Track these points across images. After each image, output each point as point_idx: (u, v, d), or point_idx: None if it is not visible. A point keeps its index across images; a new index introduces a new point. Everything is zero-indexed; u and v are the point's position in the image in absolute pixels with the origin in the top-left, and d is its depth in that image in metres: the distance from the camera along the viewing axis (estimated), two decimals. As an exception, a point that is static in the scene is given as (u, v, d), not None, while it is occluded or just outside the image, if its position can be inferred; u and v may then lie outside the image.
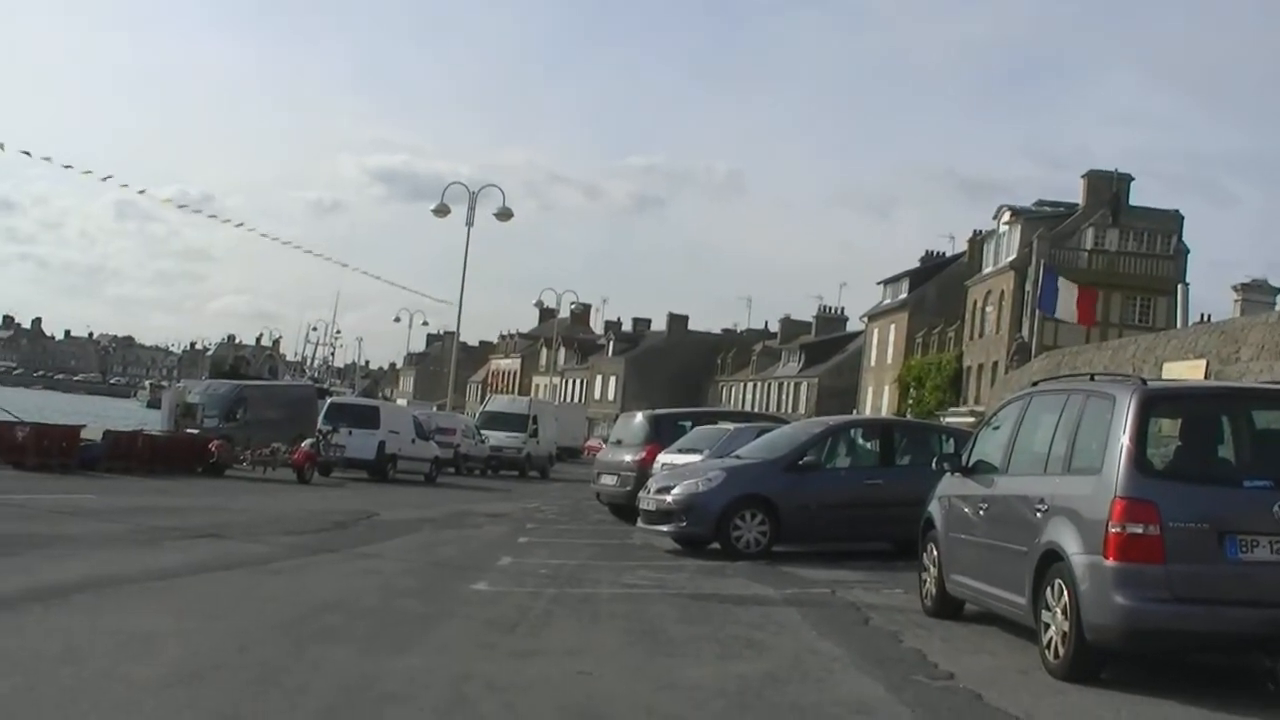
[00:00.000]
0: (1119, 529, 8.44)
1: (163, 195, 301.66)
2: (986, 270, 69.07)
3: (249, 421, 39.91)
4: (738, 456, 19.50)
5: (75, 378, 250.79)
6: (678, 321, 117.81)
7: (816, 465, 18.41)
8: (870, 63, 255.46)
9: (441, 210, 50.47)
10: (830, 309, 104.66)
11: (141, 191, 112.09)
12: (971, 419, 50.18)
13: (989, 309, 67.35)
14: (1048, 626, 9.02)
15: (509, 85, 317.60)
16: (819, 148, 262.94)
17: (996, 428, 11.48)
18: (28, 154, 39.90)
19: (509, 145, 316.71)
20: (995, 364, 62.23)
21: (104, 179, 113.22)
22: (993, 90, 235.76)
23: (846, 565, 16.46)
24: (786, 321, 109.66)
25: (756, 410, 79.47)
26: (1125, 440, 8.72)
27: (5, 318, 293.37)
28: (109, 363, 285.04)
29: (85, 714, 6.36)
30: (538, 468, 52.02)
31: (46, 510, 18.93)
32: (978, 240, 74.19)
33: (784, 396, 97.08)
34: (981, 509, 10.76)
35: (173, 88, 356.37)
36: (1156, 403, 9.10)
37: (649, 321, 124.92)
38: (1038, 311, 48.82)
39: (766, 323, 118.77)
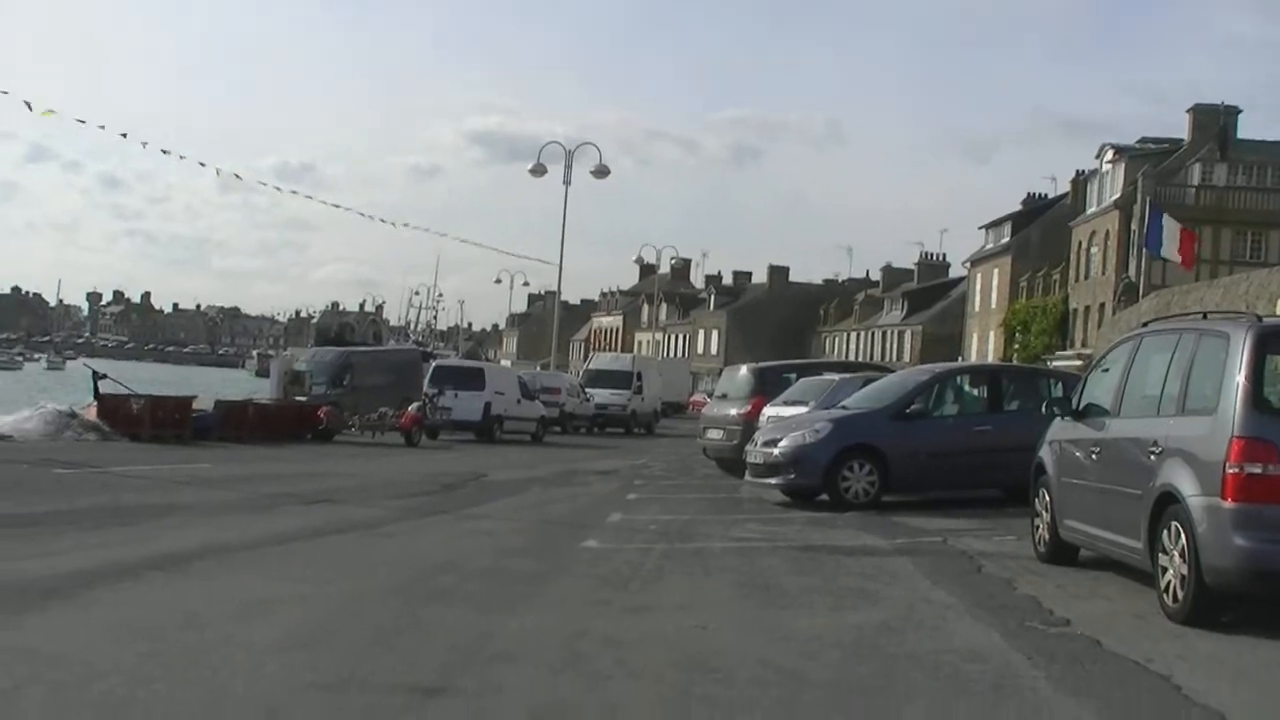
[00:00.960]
0: (1237, 469, 8.28)
1: (262, 166, 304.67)
2: (1090, 211, 67.98)
3: (356, 387, 40.28)
4: (844, 407, 19.41)
5: (185, 349, 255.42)
6: (778, 273, 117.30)
7: (924, 413, 18.29)
8: (964, 4, 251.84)
9: (538, 170, 50.73)
10: (932, 255, 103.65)
11: (237, 176, 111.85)
12: (1079, 362, 49.57)
13: (1094, 250, 66.33)
14: (1165, 570, 8.89)
15: (601, 43, 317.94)
16: (917, 94, 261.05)
17: (1106, 370, 11.31)
18: (124, 135, 40.21)
19: (604, 104, 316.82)
20: (1102, 306, 61.35)
21: (200, 164, 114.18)
22: (1091, 27, 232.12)
23: (957, 513, 16.37)
24: (888, 270, 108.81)
25: (860, 360, 79.02)
26: (1241, 379, 8.55)
27: (115, 293, 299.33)
28: (217, 334, 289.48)
29: (209, 678, 6.48)
30: (643, 424, 52.18)
31: (163, 480, 19.29)
32: (1080, 180, 73.07)
33: (888, 345, 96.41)
34: (1093, 453, 10.63)
35: (267, 58, 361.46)
36: (1273, 339, 8.89)
37: (749, 274, 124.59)
38: (1144, 251, 48.00)
39: (868, 272, 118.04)
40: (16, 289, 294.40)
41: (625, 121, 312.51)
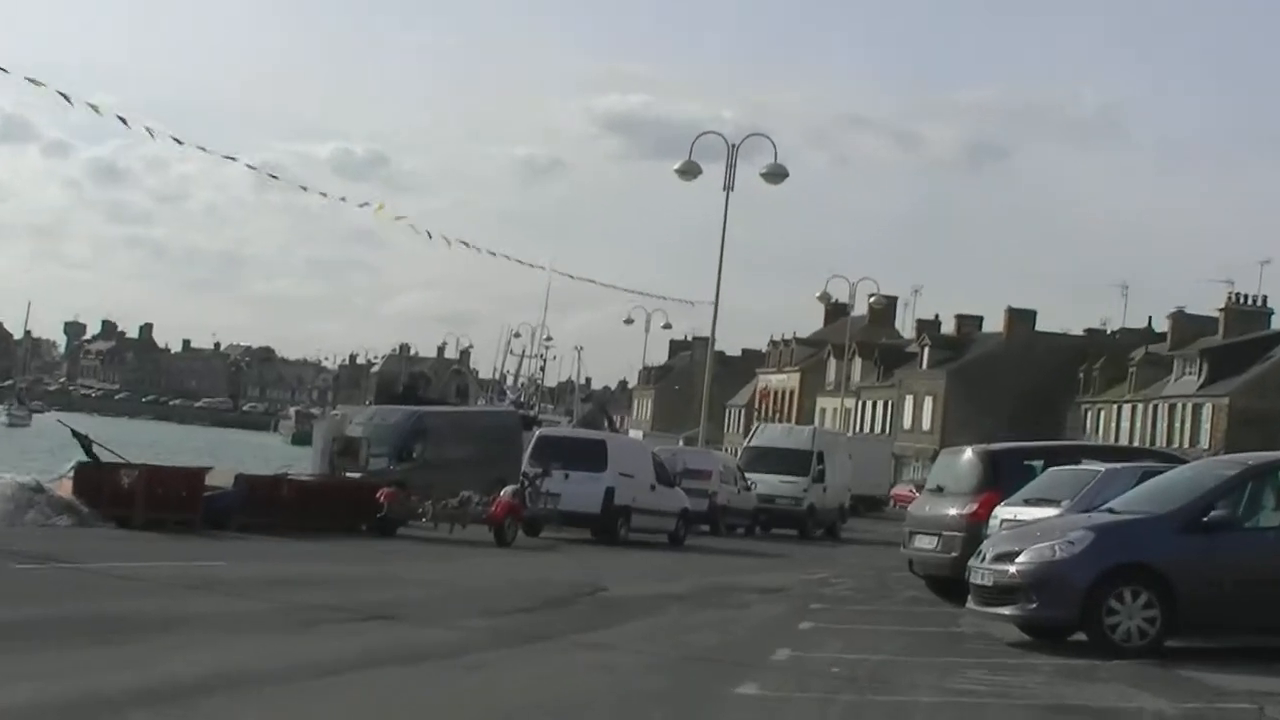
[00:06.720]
0: None
1: (318, 156, 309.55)
2: None
3: (430, 461, 40.62)
4: (1111, 510, 19.16)
5: (197, 404, 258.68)
6: (1021, 319, 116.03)
7: (1230, 523, 17.94)
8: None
9: (690, 170, 50.76)
10: (1245, 298, 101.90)
11: (274, 177, 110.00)
12: None
13: None
14: None
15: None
16: (1231, 68, 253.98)
17: None
18: (123, 120, 39.93)
19: (788, 78, 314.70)
20: None
21: (228, 158, 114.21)
22: None
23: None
24: (1179, 317, 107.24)
25: (1136, 444, 77.93)
26: None
27: (105, 323, 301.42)
28: (242, 383, 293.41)
29: None
30: (824, 524, 52.00)
31: (163, 582, 19.58)
32: None
33: (1177, 424, 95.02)
34: None
35: (323, 11, 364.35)
36: None
37: (980, 320, 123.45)
38: None
39: (1150, 319, 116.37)
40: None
41: (816, 101, 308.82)
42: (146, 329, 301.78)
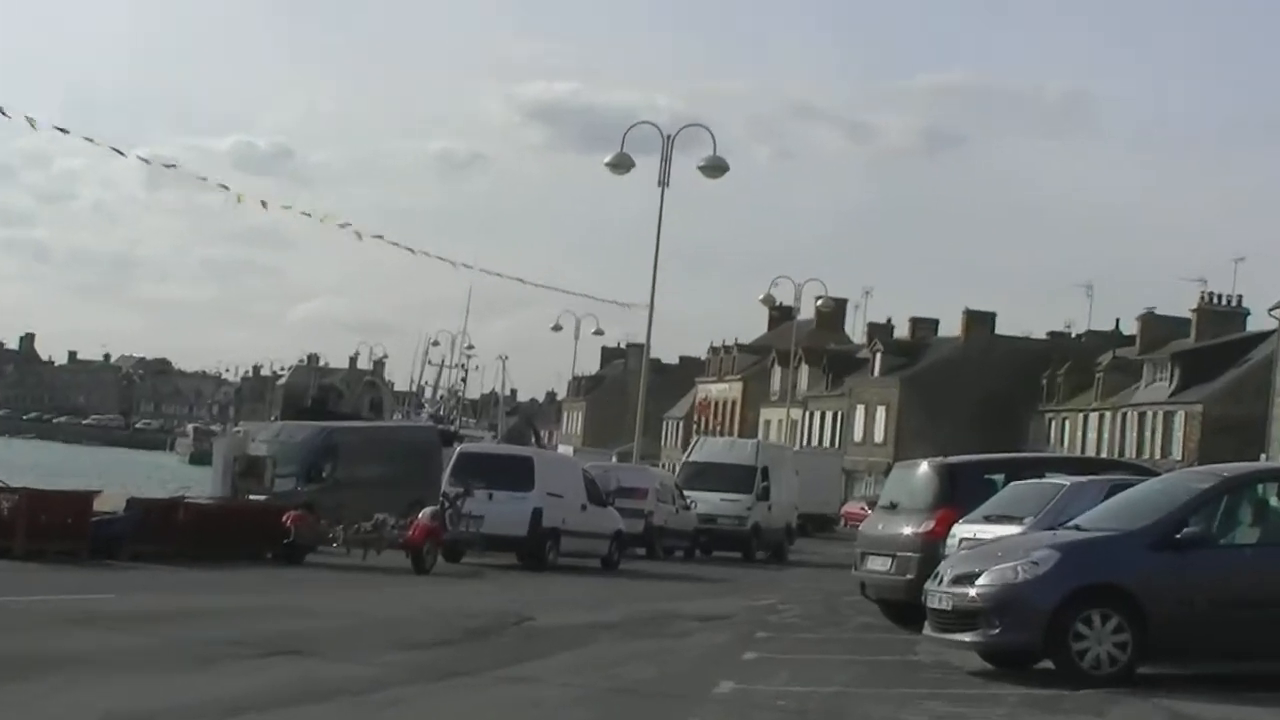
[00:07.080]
0: None
1: (217, 150, 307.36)
2: None
3: (342, 481, 40.53)
4: (1078, 527, 19.24)
5: (85, 420, 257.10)
6: (979, 321, 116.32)
7: (1205, 540, 18.03)
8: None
9: (622, 163, 50.58)
10: (1219, 298, 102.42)
11: (170, 167, 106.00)
12: None
13: None
14: None
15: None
16: (1207, 57, 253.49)
17: None
18: (1, 110, 38.74)
19: (732, 64, 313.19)
20: None
21: (116, 150, 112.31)
22: None
23: (1258, 697, 16.14)
24: (1149, 319, 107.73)
25: (1104, 455, 78.24)
26: None
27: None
28: (135, 398, 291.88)
29: None
30: (770, 546, 52.09)
31: (47, 617, 19.46)
32: None
33: (1147, 434, 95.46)
34: None
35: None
36: None
37: (935, 323, 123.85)
38: None
39: (1118, 321, 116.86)
40: None
41: (762, 90, 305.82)
42: (28, 340, 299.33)
